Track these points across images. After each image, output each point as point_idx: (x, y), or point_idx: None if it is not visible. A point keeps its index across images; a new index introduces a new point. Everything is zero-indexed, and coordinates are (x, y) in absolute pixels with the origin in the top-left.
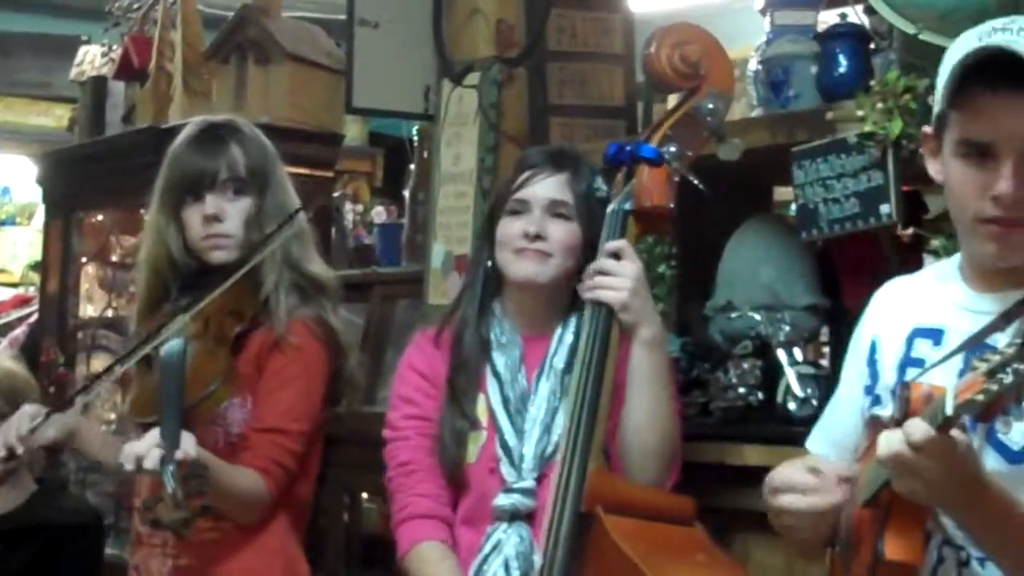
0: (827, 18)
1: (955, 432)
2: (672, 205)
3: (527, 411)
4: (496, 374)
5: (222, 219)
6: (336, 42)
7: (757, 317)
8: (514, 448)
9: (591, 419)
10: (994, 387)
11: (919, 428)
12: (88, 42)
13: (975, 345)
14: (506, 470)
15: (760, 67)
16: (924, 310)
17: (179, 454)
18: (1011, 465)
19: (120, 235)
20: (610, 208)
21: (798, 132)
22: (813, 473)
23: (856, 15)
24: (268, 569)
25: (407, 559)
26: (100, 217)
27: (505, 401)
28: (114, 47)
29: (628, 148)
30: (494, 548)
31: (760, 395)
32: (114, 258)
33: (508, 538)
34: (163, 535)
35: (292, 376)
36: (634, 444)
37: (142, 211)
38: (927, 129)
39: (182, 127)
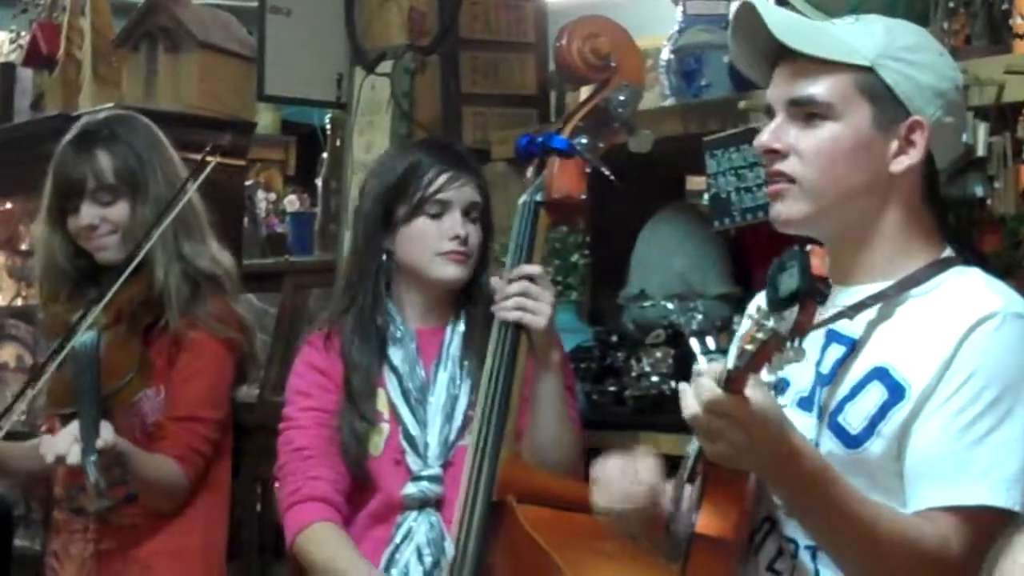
0: None
1: (750, 391)
2: (584, 196)
3: (428, 401)
4: (393, 368)
5: (98, 226)
6: (248, 30)
7: (670, 306)
8: (418, 438)
9: (503, 408)
10: (759, 335)
11: (705, 386)
12: None
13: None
14: (412, 460)
15: (672, 56)
16: None
17: (99, 443)
18: (848, 450)
19: (29, 223)
20: (522, 199)
21: (710, 121)
22: (627, 472)
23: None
24: (188, 551)
25: (301, 539)
26: (9, 205)
27: (405, 393)
28: (22, 34)
29: (539, 139)
30: (405, 537)
31: (673, 383)
32: (23, 247)
33: (419, 526)
34: (83, 521)
35: (201, 368)
36: (541, 461)
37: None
38: None
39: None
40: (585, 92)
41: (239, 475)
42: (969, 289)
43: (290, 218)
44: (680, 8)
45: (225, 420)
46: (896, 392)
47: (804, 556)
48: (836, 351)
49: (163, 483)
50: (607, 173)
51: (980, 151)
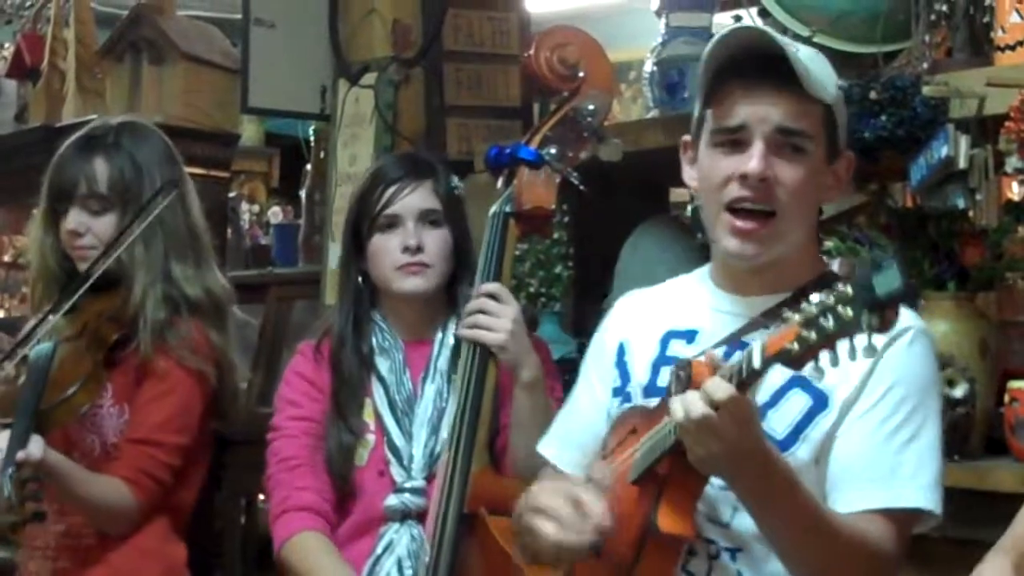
0: (722, 20)
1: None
2: (553, 207)
3: (414, 413)
4: (381, 379)
5: (83, 234)
6: (231, 42)
7: None
8: (403, 449)
9: (473, 423)
10: (812, 334)
11: (721, 387)
12: None
13: (736, 341)
14: (396, 471)
15: (655, 69)
16: (676, 314)
17: (20, 455)
18: None
19: (12, 235)
20: (492, 211)
21: None
22: (576, 507)
23: (750, 17)
24: (146, 574)
25: (285, 549)
26: None
27: (391, 404)
28: (6, 45)
29: (508, 150)
30: (386, 548)
31: None
32: (6, 258)
33: (400, 537)
34: (44, 538)
35: (164, 392)
36: (523, 474)
37: (34, 211)
38: (686, 137)
39: (75, 126)
40: None
41: (222, 488)
42: None
43: (274, 230)
44: (663, 21)
45: (190, 446)
46: (820, 400)
47: (725, 558)
48: None
49: (108, 504)
50: (577, 183)
51: (962, 163)
